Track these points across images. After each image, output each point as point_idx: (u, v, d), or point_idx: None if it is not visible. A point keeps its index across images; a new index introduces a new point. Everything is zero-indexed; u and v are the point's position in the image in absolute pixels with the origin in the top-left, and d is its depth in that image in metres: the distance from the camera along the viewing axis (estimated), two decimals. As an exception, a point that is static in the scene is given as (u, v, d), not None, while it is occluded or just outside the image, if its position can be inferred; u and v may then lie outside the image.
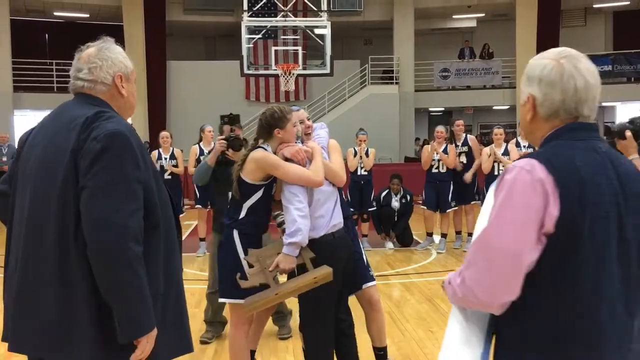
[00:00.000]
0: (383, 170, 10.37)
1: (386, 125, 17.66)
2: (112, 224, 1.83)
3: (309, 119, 3.58)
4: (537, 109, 1.59)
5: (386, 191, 8.48)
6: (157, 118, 18.21)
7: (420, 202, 8.59)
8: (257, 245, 3.31)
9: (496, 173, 7.79)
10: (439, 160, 8.09)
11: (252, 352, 3.78)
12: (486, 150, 7.96)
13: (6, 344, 2.03)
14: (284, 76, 11.44)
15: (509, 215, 1.47)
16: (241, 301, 3.20)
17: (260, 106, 18.78)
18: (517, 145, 8.08)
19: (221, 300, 3.44)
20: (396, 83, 18.56)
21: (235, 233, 3.30)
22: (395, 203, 8.36)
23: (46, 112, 2.19)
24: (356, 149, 8.41)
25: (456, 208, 8.25)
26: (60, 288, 1.90)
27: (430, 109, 20.94)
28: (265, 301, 3.13)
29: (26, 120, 16.82)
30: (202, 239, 8.13)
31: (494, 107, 19.77)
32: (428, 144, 8.73)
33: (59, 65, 17.29)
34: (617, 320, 1.50)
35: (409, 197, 8.41)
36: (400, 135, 18.25)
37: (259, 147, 3.32)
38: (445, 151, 8.06)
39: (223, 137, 4.35)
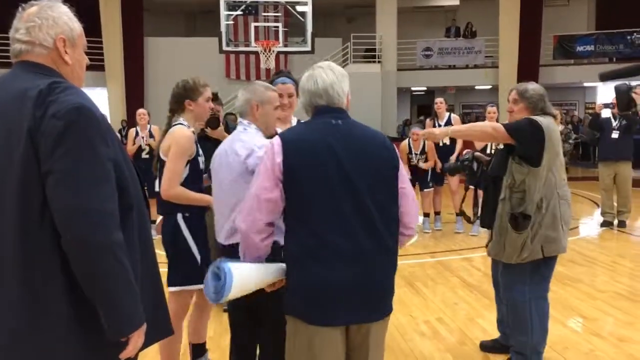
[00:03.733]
0: None
1: (368, 104, 17.47)
2: (87, 210, 1.62)
3: (293, 96, 3.33)
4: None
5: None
6: (135, 95, 17.85)
7: None
8: (201, 224, 3.24)
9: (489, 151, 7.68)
10: (416, 156, 7.99)
11: (202, 345, 3.55)
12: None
13: None
14: (264, 53, 11.17)
15: (261, 168, 2.12)
16: (188, 288, 3.17)
17: (241, 84, 18.50)
18: None
19: (170, 288, 3.24)
20: (378, 62, 18.35)
21: (179, 217, 3.20)
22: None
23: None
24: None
25: (433, 188, 8.15)
26: (24, 289, 1.66)
27: (413, 89, 20.78)
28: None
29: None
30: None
31: (476, 87, 19.67)
32: (409, 124, 8.50)
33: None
34: (347, 241, 2.03)
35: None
36: (382, 115, 18.08)
37: (179, 123, 3.22)
38: (423, 150, 7.95)
39: None
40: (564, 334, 4.33)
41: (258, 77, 18.29)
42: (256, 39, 11.49)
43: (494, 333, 4.34)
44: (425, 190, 8.13)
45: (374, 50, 18.53)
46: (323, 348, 2.08)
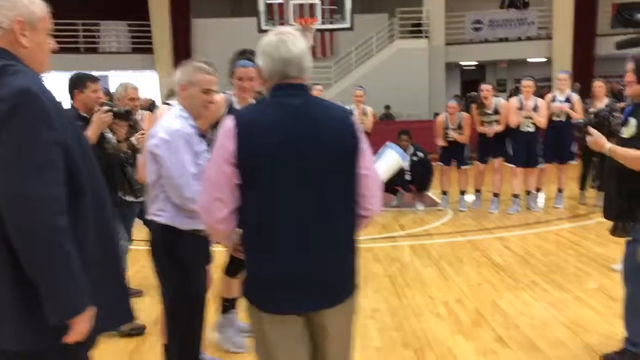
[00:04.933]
0: (412, 127, 9.72)
1: (416, 81, 17.14)
2: (28, 196, 1.63)
3: (254, 80, 3.31)
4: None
5: (396, 149, 8.18)
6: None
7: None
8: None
9: (524, 130, 7.39)
10: (454, 130, 7.77)
11: (233, 300, 3.75)
12: (514, 101, 7.51)
13: None
14: (302, 31, 11.06)
15: (214, 152, 2.03)
16: None
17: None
18: (554, 100, 7.65)
19: None
20: (426, 37, 17.89)
21: None
22: (405, 162, 8.04)
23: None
24: (352, 107, 7.78)
25: (470, 165, 7.91)
26: None
27: (462, 64, 20.19)
28: None
29: None
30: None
31: (529, 60, 18.92)
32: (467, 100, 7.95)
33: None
34: (298, 228, 1.95)
35: (421, 155, 8.05)
36: (430, 91, 17.68)
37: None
38: (459, 126, 7.70)
39: None
40: None
41: (304, 56, 18.20)
42: (295, 17, 11.38)
43: (514, 316, 4.20)
44: (462, 167, 7.92)
45: (421, 25, 18.07)
46: (276, 336, 2.03)
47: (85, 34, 18.06)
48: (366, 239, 6.17)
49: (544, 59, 18.02)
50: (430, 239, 6.64)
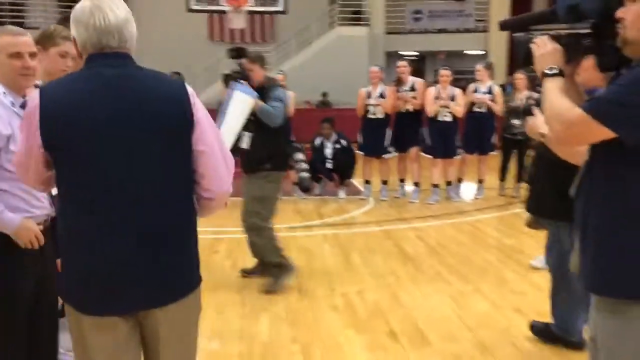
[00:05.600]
0: (347, 115, 9.56)
1: (355, 69, 17.00)
2: None
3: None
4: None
5: (319, 137, 8.01)
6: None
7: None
8: None
9: (441, 119, 7.38)
10: (374, 106, 7.62)
11: None
12: (431, 91, 7.50)
13: None
14: (233, 12, 10.74)
15: (21, 129, 1.84)
16: None
17: (226, 46, 18.03)
18: (475, 91, 7.67)
19: None
20: (366, 24, 17.79)
21: None
22: (327, 150, 7.90)
23: None
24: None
25: (394, 155, 7.82)
26: None
27: (402, 53, 20.22)
28: None
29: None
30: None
31: (466, 52, 19.11)
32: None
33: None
34: (114, 217, 1.74)
35: (344, 143, 7.92)
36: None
37: None
38: (382, 95, 7.59)
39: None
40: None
41: (243, 40, 17.81)
42: (225, -3, 11.00)
43: (411, 308, 4.11)
44: (384, 156, 7.78)
45: (361, 12, 17.95)
46: (93, 338, 1.80)
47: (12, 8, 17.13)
48: (284, 228, 5.98)
49: (482, 52, 18.22)
50: (347, 229, 6.52)
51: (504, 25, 3.02)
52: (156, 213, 1.79)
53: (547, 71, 1.82)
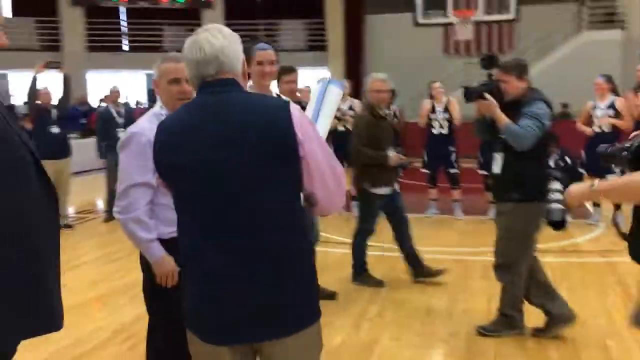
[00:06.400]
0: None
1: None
2: None
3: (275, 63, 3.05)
4: None
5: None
6: (355, 73, 18.25)
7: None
8: None
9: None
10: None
11: None
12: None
13: None
14: (460, 24, 10.48)
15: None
16: None
17: (458, 60, 17.69)
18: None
19: None
20: (622, 28, 15.87)
21: None
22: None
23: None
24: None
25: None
26: None
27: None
28: None
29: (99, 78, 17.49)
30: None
31: None
32: None
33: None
34: (219, 249, 1.73)
35: (568, 161, 7.05)
36: (623, 91, 15.63)
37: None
38: (613, 108, 6.67)
39: None
40: None
41: (478, 51, 17.30)
42: (454, 8, 10.78)
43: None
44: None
45: (614, 14, 16.08)
46: None
47: (267, 32, 19.12)
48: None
49: None
50: (563, 257, 5.80)
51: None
52: (267, 240, 1.74)
53: None
